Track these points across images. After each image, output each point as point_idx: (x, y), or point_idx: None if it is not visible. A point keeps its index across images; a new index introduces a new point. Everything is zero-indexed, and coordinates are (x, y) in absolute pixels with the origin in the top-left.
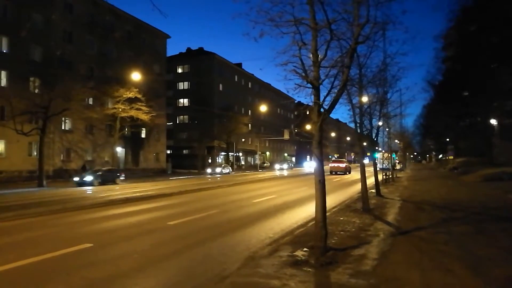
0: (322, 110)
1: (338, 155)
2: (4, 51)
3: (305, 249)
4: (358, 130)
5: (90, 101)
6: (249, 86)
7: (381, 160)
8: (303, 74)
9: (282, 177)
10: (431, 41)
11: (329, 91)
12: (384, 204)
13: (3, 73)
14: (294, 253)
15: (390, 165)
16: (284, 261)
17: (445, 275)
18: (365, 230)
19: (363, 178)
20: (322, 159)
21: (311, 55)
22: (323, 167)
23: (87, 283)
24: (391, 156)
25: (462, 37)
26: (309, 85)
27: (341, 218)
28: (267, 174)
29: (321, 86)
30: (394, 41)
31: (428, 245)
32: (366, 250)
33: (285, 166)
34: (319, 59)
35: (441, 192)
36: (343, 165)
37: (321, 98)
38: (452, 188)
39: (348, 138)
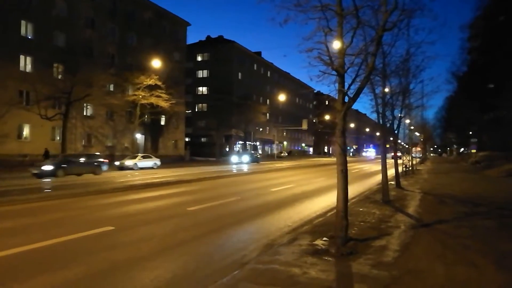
0: (346, 98)
1: (356, 146)
2: (29, 37)
3: (325, 238)
4: (381, 121)
5: (111, 88)
6: (268, 75)
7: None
8: (328, 61)
9: (299, 167)
10: (457, 31)
11: (354, 79)
12: (404, 196)
13: (28, 59)
14: (313, 242)
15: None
16: (304, 249)
17: (469, 269)
18: (386, 221)
19: (384, 169)
20: (345, 149)
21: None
22: (346, 157)
23: (109, 264)
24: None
25: (489, 27)
26: (333, 72)
27: (361, 209)
28: (285, 163)
29: (345, 74)
30: (420, 29)
31: (450, 238)
32: (387, 241)
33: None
34: (344, 46)
35: (463, 186)
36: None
37: (345, 87)
38: (474, 182)
39: (367, 129)
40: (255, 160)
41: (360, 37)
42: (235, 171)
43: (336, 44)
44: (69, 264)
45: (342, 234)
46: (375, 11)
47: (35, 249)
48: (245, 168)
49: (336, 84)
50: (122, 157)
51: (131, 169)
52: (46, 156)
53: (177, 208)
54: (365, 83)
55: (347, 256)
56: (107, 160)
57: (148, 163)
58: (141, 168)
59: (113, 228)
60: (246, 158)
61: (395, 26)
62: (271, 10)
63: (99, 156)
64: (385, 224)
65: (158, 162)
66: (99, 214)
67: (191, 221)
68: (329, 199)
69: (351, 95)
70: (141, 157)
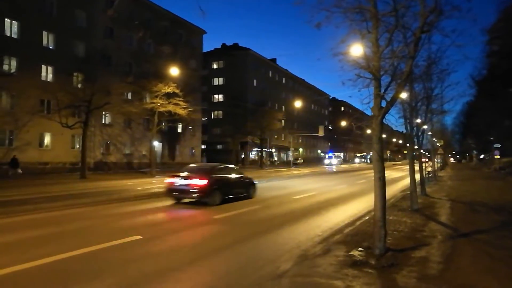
0: (383, 103)
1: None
2: (51, 48)
3: (360, 249)
4: (408, 127)
5: (129, 96)
6: (283, 81)
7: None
8: (364, 65)
9: (317, 174)
10: (478, 34)
11: (390, 82)
12: (433, 204)
13: (50, 68)
14: (350, 253)
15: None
16: (342, 261)
17: None
18: (420, 230)
19: (412, 176)
20: (382, 155)
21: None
22: (383, 164)
23: (141, 275)
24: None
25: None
26: (368, 75)
27: (391, 218)
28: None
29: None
30: (450, 31)
31: (496, 250)
32: (427, 252)
33: None
34: (380, 49)
35: (491, 193)
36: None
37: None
38: (502, 189)
39: (383, 136)
40: None
41: (394, 40)
42: None
43: (370, 48)
44: (102, 274)
45: (380, 244)
46: (412, 13)
47: (66, 259)
48: None
49: (371, 88)
50: (139, 164)
51: None
52: (13, 165)
53: (202, 216)
54: (403, 86)
55: (388, 268)
56: None
57: None
58: None
59: (141, 237)
60: None
61: (433, 27)
62: (304, 12)
63: None
64: (420, 233)
65: None
66: (124, 222)
67: (218, 230)
68: (355, 207)
69: (388, 99)
70: None
